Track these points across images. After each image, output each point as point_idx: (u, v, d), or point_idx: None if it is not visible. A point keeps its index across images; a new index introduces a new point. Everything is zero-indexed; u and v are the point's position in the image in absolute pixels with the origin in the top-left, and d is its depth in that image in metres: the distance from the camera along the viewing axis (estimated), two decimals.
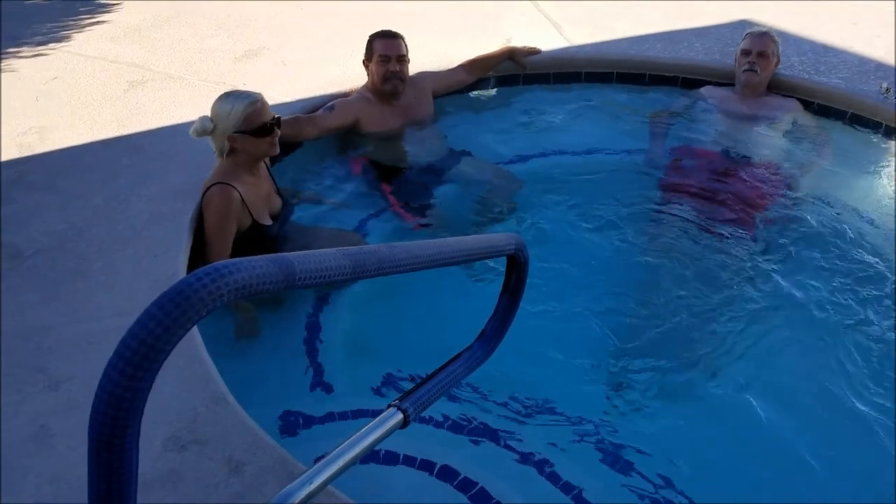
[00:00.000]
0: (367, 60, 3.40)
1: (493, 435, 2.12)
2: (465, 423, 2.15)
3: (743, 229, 3.01)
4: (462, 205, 3.24)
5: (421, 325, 2.58)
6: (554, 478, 1.99)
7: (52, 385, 1.92)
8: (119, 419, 0.66)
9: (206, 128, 2.48)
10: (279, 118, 2.59)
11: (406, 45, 3.39)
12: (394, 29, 3.42)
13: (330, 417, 2.13)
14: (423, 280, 2.69)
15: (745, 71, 3.63)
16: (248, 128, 2.47)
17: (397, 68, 3.33)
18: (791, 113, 3.65)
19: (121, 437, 0.67)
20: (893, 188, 3.32)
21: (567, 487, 1.96)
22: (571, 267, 2.85)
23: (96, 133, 3.37)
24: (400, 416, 1.04)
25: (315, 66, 4.14)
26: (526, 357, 2.27)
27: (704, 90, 3.87)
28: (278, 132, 2.58)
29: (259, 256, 0.76)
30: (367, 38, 3.42)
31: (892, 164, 3.48)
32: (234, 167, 2.54)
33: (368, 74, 3.44)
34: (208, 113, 2.51)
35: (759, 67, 3.60)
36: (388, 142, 3.43)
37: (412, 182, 3.31)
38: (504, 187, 3.34)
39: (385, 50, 3.32)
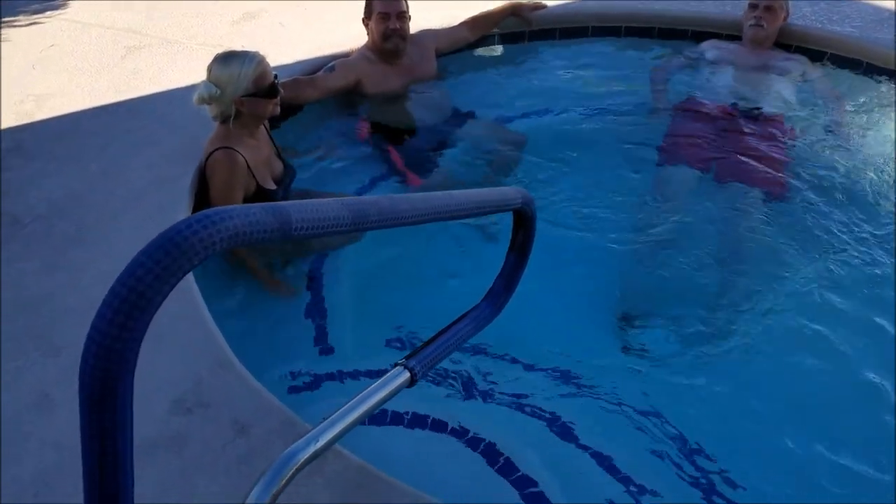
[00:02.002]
0: (367, 19, 3.32)
1: (501, 394, 2.10)
2: (474, 381, 2.13)
3: (755, 182, 2.92)
4: (467, 165, 3.19)
5: (428, 284, 2.55)
6: (568, 435, 1.97)
7: (53, 352, 1.90)
8: (110, 373, 0.63)
9: (213, 93, 2.39)
10: (277, 76, 2.53)
11: (406, 2, 3.30)
12: None
13: (336, 377, 2.11)
14: (430, 237, 2.67)
15: (751, 25, 3.55)
16: (258, 90, 2.42)
17: (398, 25, 3.25)
18: (800, 65, 3.56)
19: (112, 392, 0.63)
20: None
21: (579, 443, 1.94)
22: (580, 225, 2.81)
23: (94, 100, 3.31)
24: (407, 374, 1.02)
25: (314, 27, 4.06)
26: (535, 317, 2.23)
27: (708, 43, 3.76)
28: (282, 91, 2.53)
29: (254, 205, 0.72)
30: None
31: None
32: (236, 131, 2.48)
33: (368, 33, 3.36)
34: (205, 78, 2.45)
35: (765, 22, 3.51)
36: (392, 102, 3.36)
37: (417, 143, 3.25)
38: (510, 147, 3.27)
39: (385, 7, 3.24)
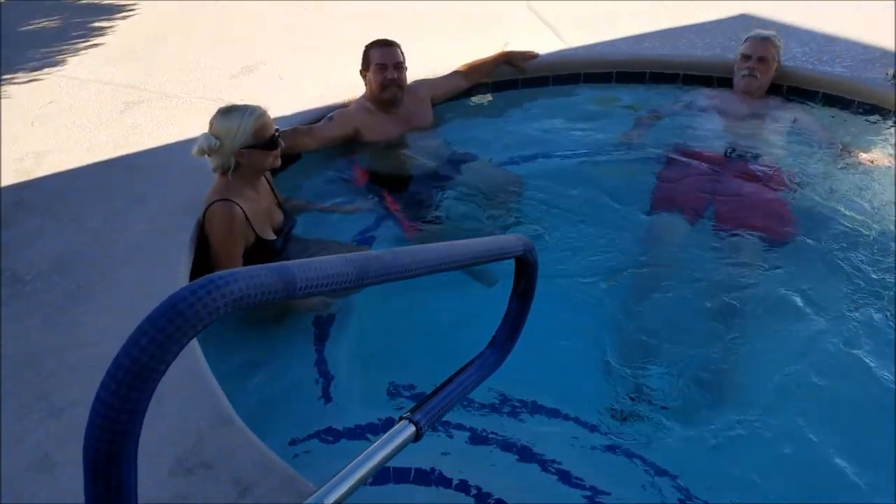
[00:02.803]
0: (365, 70, 3.38)
1: (504, 443, 2.07)
2: (478, 432, 2.10)
3: (751, 228, 2.90)
4: (465, 211, 3.20)
5: (430, 332, 2.53)
6: (568, 479, 1.94)
7: (55, 412, 1.87)
8: (114, 443, 0.62)
9: (212, 145, 2.43)
10: (279, 130, 2.57)
11: (403, 53, 3.36)
12: (390, 37, 3.40)
13: (340, 432, 2.07)
14: (432, 285, 2.65)
15: (744, 76, 3.58)
16: (257, 142, 2.45)
17: (395, 76, 3.31)
18: (791, 112, 3.57)
19: (117, 461, 0.63)
20: None
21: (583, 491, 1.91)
22: (577, 270, 2.80)
23: (93, 155, 3.34)
24: (412, 429, 1.00)
25: (312, 78, 4.12)
26: (535, 364, 2.21)
27: (700, 92, 3.80)
28: (282, 144, 2.57)
29: (257, 266, 0.72)
30: (364, 48, 3.40)
31: None
32: (235, 183, 2.50)
33: (366, 84, 3.41)
34: (206, 130, 2.48)
35: (759, 73, 3.54)
36: (390, 151, 3.40)
37: (415, 191, 3.27)
38: (506, 191, 3.29)
39: (382, 58, 3.30)
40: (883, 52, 4.00)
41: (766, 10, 4.72)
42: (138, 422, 0.62)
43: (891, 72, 3.66)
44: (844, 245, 2.82)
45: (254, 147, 2.45)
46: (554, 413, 2.21)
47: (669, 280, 2.73)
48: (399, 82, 3.34)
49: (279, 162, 2.59)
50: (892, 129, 3.55)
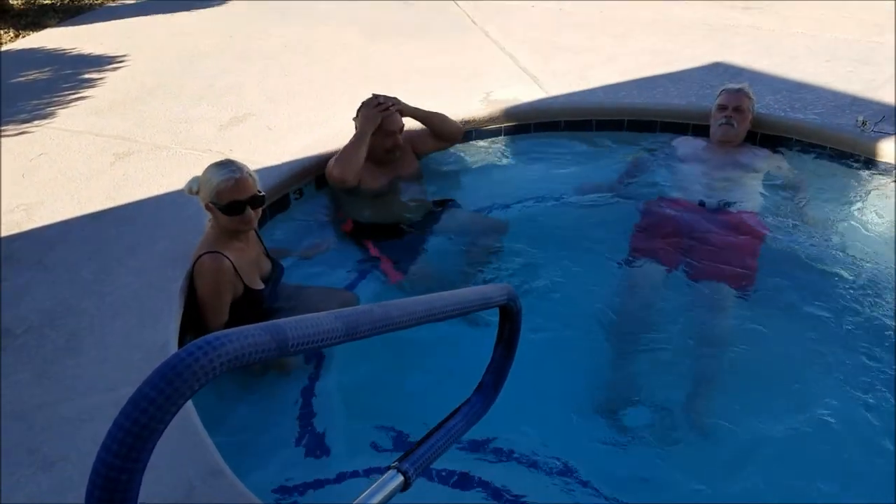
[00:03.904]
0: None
1: (493, 490, 2.08)
2: (464, 477, 2.12)
3: (725, 278, 2.95)
4: (449, 257, 3.27)
5: (417, 378, 2.56)
6: None
7: (46, 466, 1.88)
8: (115, 501, 0.65)
9: (192, 189, 2.54)
10: (262, 196, 2.56)
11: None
12: (379, 91, 3.48)
13: (329, 482, 2.09)
14: (417, 331, 2.68)
15: (721, 125, 3.63)
16: (219, 202, 2.47)
17: (399, 141, 3.41)
18: (766, 160, 3.63)
19: None
20: (879, 219, 3.34)
21: None
22: (558, 315, 2.85)
23: (83, 207, 3.37)
24: (400, 478, 1.02)
25: (301, 129, 4.19)
26: (517, 408, 2.24)
27: (678, 141, 3.87)
28: (253, 212, 2.52)
29: (250, 326, 0.75)
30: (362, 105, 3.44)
31: (874, 195, 3.51)
32: (221, 234, 2.55)
33: None
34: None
35: (735, 122, 3.60)
36: (376, 199, 3.46)
37: (399, 238, 3.34)
38: (489, 236, 3.37)
39: (390, 125, 3.37)
40: (853, 99, 4.14)
41: (739, 59, 4.87)
42: (138, 480, 0.66)
43: (860, 118, 3.78)
44: (815, 289, 2.89)
45: (216, 205, 2.48)
46: (533, 456, 2.23)
47: (646, 329, 2.79)
48: (400, 145, 3.44)
49: (248, 227, 2.56)
50: (863, 173, 3.66)
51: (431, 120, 3.67)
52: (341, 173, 3.29)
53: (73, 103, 4.95)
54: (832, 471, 2.19)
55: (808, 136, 3.83)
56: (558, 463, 2.20)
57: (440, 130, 3.71)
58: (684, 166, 3.65)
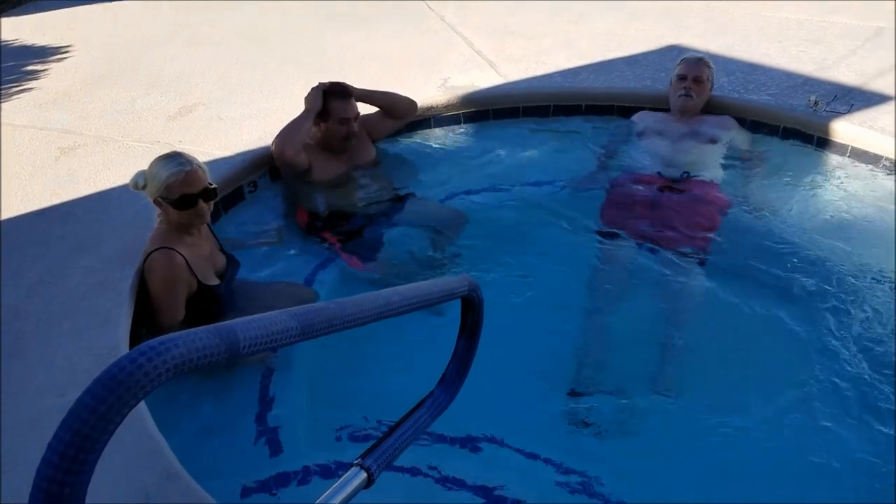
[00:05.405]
0: (321, 119, 3.33)
1: (459, 482, 2.07)
2: (428, 469, 2.10)
3: (688, 248, 3.01)
4: (409, 246, 3.23)
5: (379, 371, 2.53)
6: None
7: None
8: None
9: (138, 184, 2.44)
10: (214, 188, 2.48)
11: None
12: (335, 79, 3.41)
13: (291, 480, 2.04)
14: (378, 323, 2.65)
15: (680, 96, 3.63)
16: (169, 196, 2.39)
17: (354, 128, 3.34)
18: (728, 131, 3.66)
19: None
20: (830, 197, 3.41)
21: None
22: (523, 301, 2.84)
23: (28, 205, 3.25)
24: (363, 475, 1.00)
25: (252, 119, 4.10)
26: (483, 396, 2.23)
27: (638, 115, 3.88)
28: (206, 205, 2.45)
29: (198, 328, 0.71)
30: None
31: (827, 173, 3.58)
32: (172, 229, 2.46)
33: (318, 129, 3.38)
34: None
35: (694, 93, 3.61)
36: (333, 189, 3.40)
37: (358, 228, 3.28)
38: (450, 225, 3.33)
39: (344, 112, 3.30)
40: (805, 79, 4.20)
41: (693, 41, 4.90)
42: (83, 490, 0.62)
43: (812, 98, 3.83)
44: (775, 256, 2.97)
45: (166, 200, 2.40)
46: (504, 444, 2.22)
47: (617, 304, 2.80)
48: (355, 132, 3.37)
49: (202, 220, 2.48)
50: (814, 152, 3.73)
51: (382, 100, 3.64)
52: (279, 146, 3.25)
53: (15, 96, 4.77)
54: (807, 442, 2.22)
55: (762, 117, 3.86)
56: (526, 452, 2.19)
57: (392, 108, 3.67)
58: (645, 140, 3.67)
